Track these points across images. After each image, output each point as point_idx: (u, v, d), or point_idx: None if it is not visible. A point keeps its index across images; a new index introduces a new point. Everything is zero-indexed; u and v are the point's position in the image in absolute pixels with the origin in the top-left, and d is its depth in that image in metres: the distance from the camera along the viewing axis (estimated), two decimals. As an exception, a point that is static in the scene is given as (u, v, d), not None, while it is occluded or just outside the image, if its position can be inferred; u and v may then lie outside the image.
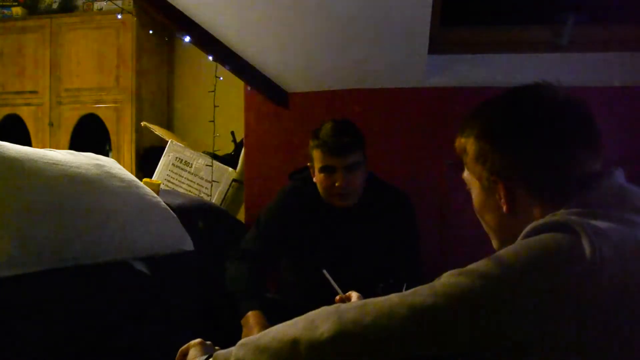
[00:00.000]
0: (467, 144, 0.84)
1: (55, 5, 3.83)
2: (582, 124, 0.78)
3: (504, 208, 0.80)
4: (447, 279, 0.68)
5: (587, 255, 0.62)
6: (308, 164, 1.75)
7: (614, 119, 2.01)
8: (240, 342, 0.77)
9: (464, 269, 0.68)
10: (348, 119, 1.73)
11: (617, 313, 0.62)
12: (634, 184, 0.77)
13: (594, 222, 0.66)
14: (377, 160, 1.84)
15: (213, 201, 2.48)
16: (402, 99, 2.23)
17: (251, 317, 1.50)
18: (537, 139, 0.77)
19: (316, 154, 1.67)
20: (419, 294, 0.67)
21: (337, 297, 1.19)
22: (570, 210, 0.71)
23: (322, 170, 1.67)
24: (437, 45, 2.15)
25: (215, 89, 2.32)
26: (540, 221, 0.70)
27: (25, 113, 3.79)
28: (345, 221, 1.73)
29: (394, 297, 0.69)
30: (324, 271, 1.35)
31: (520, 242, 0.69)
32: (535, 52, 2.15)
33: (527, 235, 0.70)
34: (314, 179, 1.72)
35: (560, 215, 0.70)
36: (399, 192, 1.81)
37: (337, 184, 1.64)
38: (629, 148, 2.03)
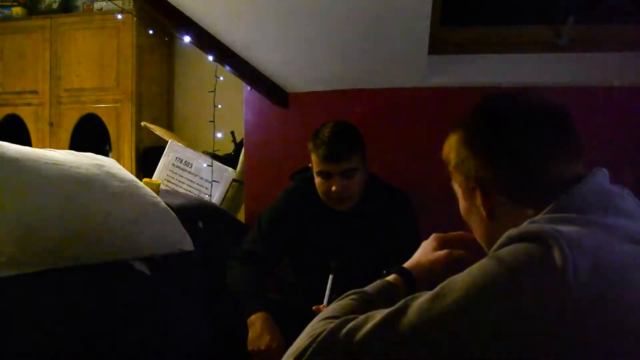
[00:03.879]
0: (450, 153, 0.85)
1: (55, 5, 3.82)
2: (558, 131, 0.77)
3: (484, 214, 0.79)
4: (420, 305, 0.66)
5: (559, 268, 0.61)
6: (310, 164, 1.75)
7: (614, 119, 2.01)
8: None
9: (435, 292, 0.67)
10: (348, 121, 1.72)
11: (593, 327, 0.61)
12: (634, 184, 0.77)
13: (569, 230, 0.65)
14: (377, 160, 1.84)
15: (213, 201, 2.48)
16: (402, 99, 2.22)
17: (258, 319, 1.50)
18: (511, 147, 0.77)
19: (314, 158, 1.67)
20: (394, 326, 0.66)
21: (314, 307, 1.20)
22: (546, 217, 0.70)
23: (318, 174, 1.67)
24: (437, 45, 2.15)
25: (215, 89, 2.32)
26: (514, 231, 0.68)
27: (25, 113, 3.78)
28: (346, 222, 1.73)
29: (376, 337, 0.67)
30: (331, 276, 1.35)
31: (489, 258, 0.68)
32: (535, 52, 2.15)
33: (501, 246, 0.68)
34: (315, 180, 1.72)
35: (536, 224, 0.68)
36: (400, 193, 1.81)
37: (333, 189, 1.64)
38: (629, 148, 2.03)
